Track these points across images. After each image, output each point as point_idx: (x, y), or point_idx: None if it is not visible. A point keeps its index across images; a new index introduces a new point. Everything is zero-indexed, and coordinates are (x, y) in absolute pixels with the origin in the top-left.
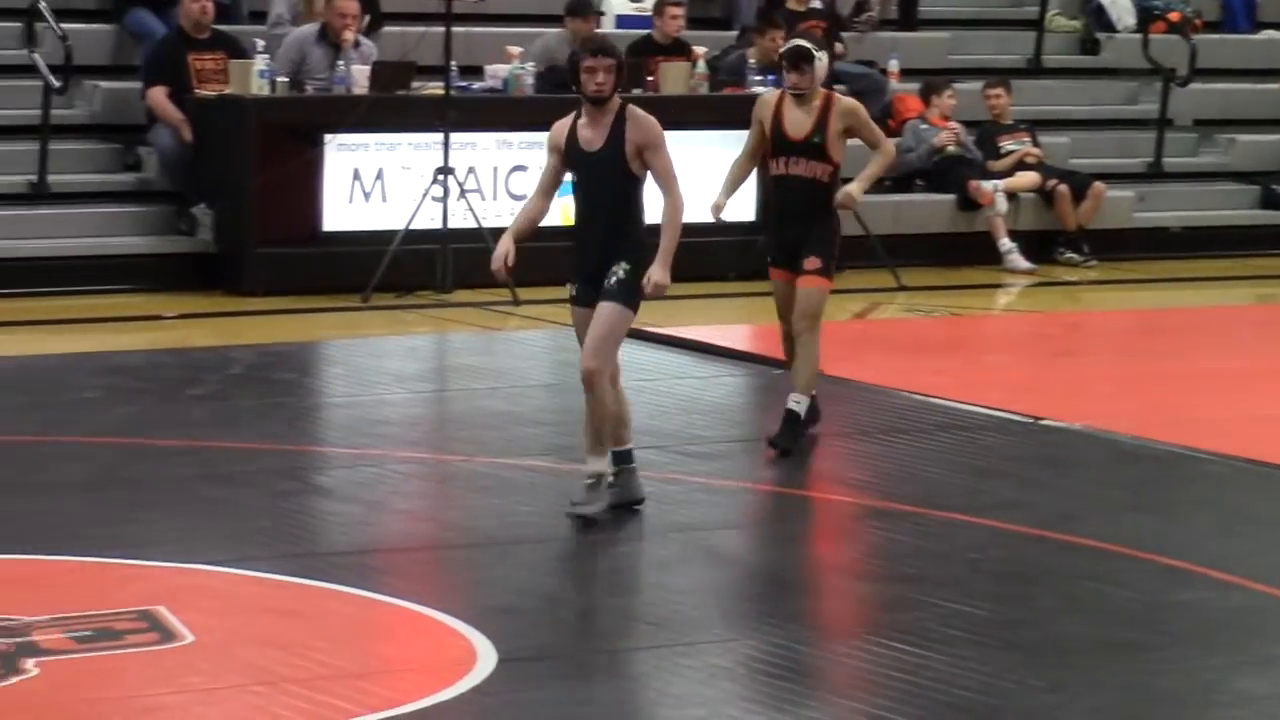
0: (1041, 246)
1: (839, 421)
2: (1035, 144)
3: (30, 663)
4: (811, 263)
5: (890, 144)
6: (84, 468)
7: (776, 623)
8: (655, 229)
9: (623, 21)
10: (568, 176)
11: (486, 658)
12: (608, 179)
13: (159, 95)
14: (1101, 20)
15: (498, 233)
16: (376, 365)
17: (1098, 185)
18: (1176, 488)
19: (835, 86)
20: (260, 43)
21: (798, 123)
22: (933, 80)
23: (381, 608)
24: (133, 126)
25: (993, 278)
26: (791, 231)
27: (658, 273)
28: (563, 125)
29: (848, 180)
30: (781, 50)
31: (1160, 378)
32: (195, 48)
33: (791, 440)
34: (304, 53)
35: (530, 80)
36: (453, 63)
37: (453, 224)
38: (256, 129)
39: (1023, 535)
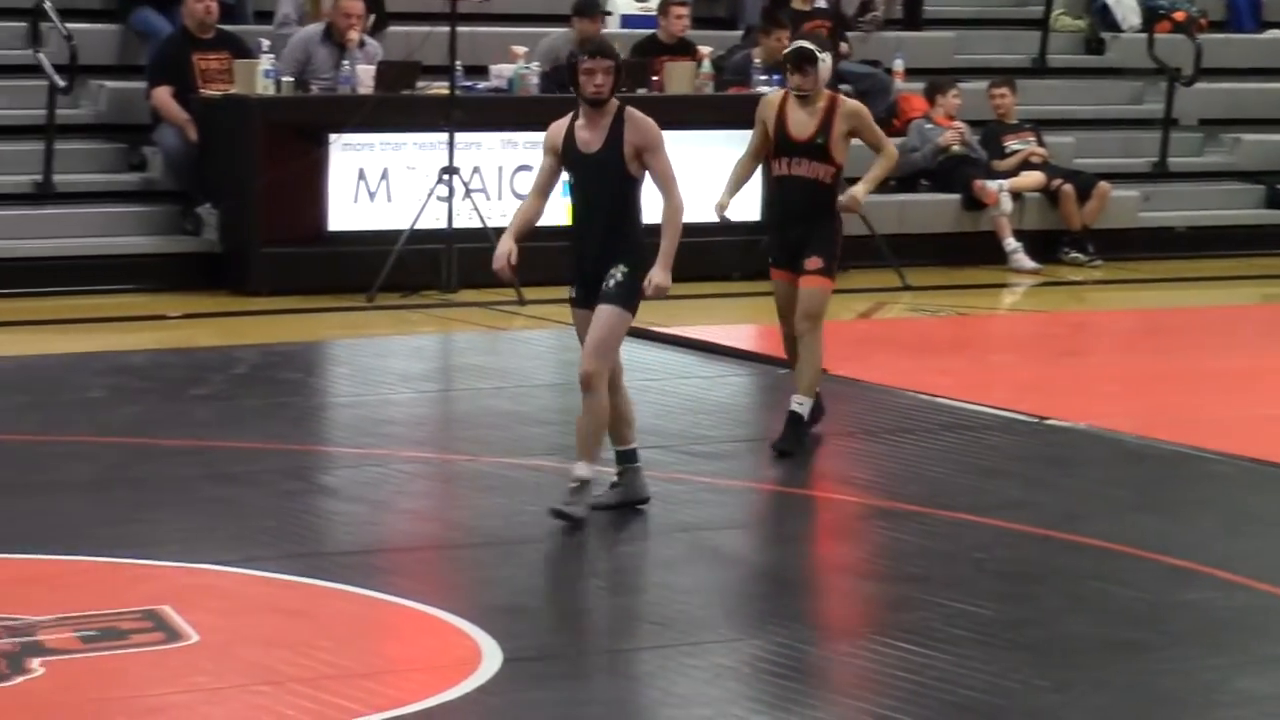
0: (1046, 246)
1: (844, 421)
2: (1040, 144)
3: (36, 662)
4: (813, 262)
5: (893, 148)
6: (89, 467)
7: (781, 622)
8: (653, 229)
9: (628, 21)
10: (565, 177)
11: (491, 657)
12: (606, 180)
13: (164, 95)
14: (1106, 20)
15: (502, 232)
16: (382, 365)
17: (1103, 185)
18: (1181, 487)
19: (840, 86)
20: (265, 42)
21: (801, 123)
22: (938, 80)
23: (386, 607)
24: (138, 126)
25: (998, 277)
26: (793, 232)
27: (659, 275)
28: (560, 126)
29: (853, 181)
30: (785, 52)
31: (1165, 377)
32: (200, 47)
33: (795, 443)
34: (309, 52)
35: (535, 80)
36: (458, 62)
37: (458, 224)
38: (261, 129)
39: (1028, 535)
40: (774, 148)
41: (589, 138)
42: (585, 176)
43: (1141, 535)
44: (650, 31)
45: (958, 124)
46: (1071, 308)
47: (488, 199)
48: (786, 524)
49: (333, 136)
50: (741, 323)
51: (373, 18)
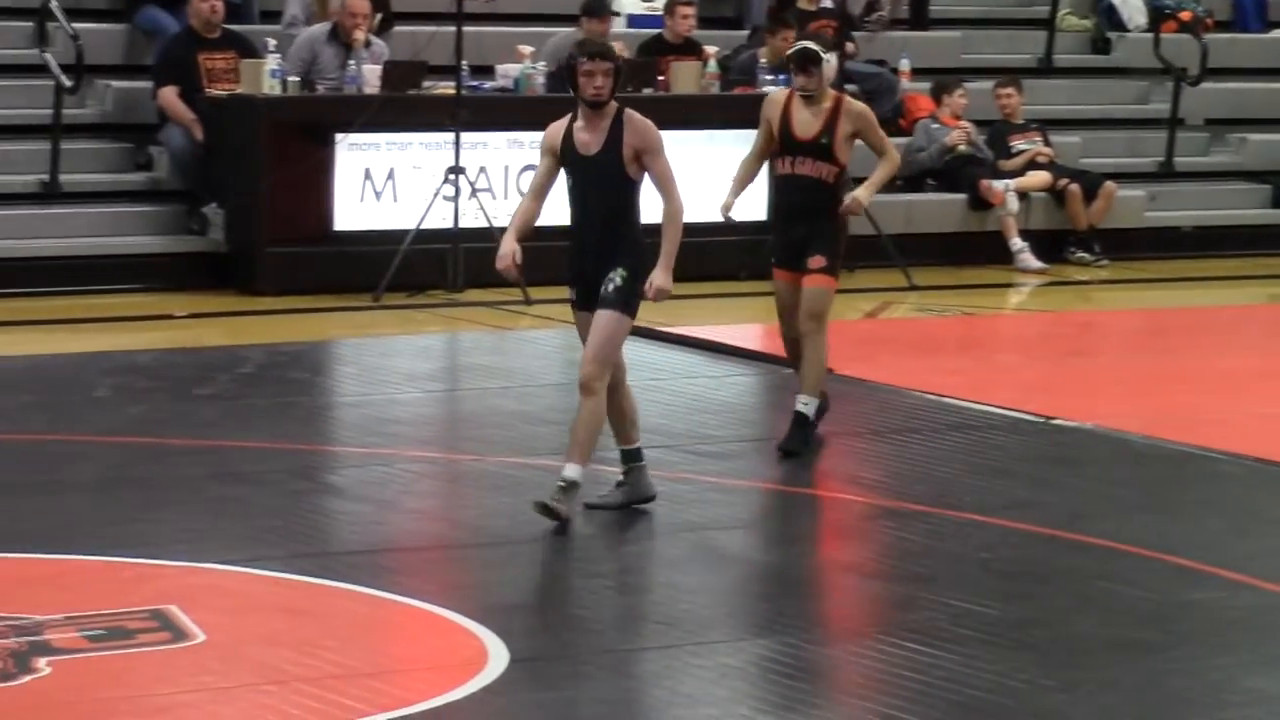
0: (1053, 246)
1: (850, 421)
2: (1046, 143)
3: (42, 661)
4: (816, 261)
5: (896, 153)
6: (95, 467)
7: (787, 622)
8: (652, 229)
9: (634, 21)
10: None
11: (498, 657)
12: (605, 182)
13: (170, 95)
14: (1113, 20)
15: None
16: (388, 364)
17: (1109, 185)
18: (1188, 487)
19: (846, 86)
20: (272, 42)
21: (806, 123)
22: (944, 80)
23: (393, 607)
24: (144, 126)
25: (1004, 277)
26: (796, 231)
27: (660, 277)
28: (558, 127)
29: (859, 182)
30: (789, 52)
31: (1172, 377)
32: (205, 47)
33: (800, 443)
34: (315, 52)
35: (541, 80)
36: (464, 62)
37: (464, 223)
38: (267, 128)
39: (1034, 535)
40: (778, 146)
41: (588, 139)
42: (584, 178)
43: (1148, 535)
44: (656, 31)
45: (964, 124)
46: (1078, 307)
47: (494, 199)
48: (792, 524)
49: (339, 136)
50: (747, 322)
51: (379, 17)
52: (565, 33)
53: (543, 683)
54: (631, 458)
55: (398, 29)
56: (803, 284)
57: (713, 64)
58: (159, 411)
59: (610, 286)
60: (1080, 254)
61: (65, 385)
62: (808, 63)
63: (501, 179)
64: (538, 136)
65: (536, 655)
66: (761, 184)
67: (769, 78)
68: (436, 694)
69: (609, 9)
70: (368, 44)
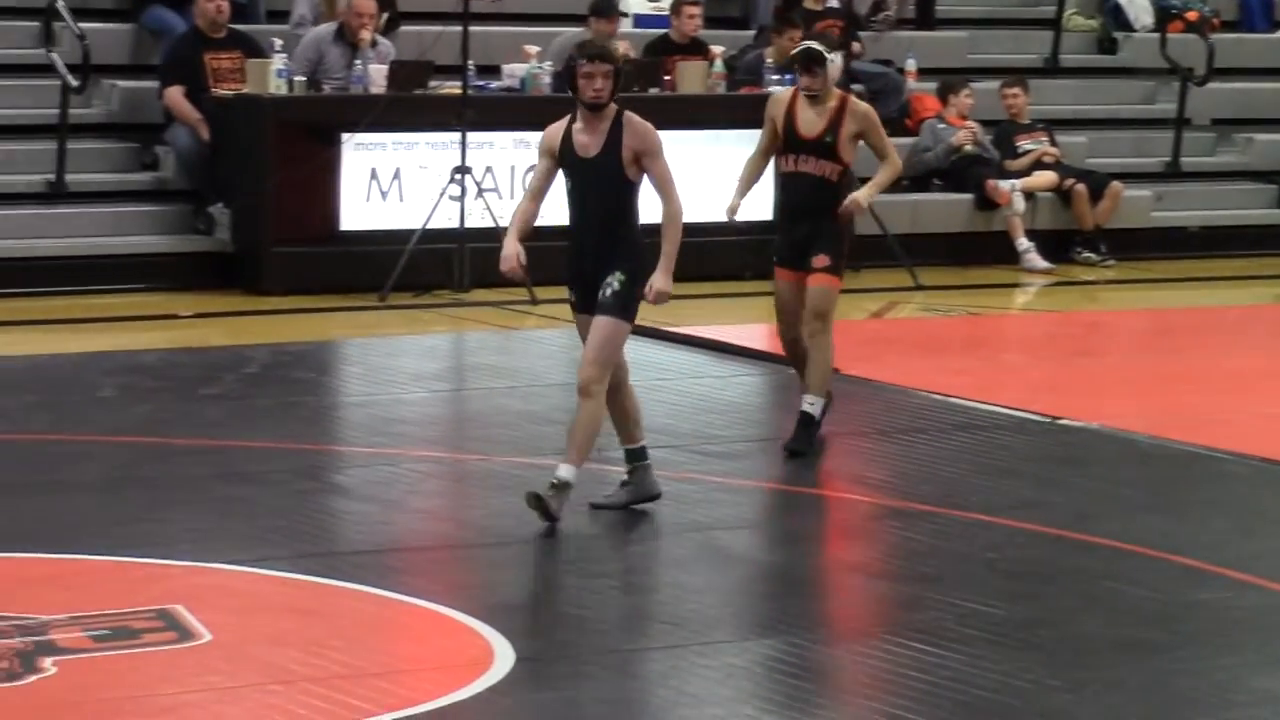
0: (1059, 246)
1: (856, 421)
2: (1053, 143)
3: (48, 661)
4: (820, 260)
5: (898, 158)
6: (101, 467)
7: (794, 622)
8: (651, 229)
9: (640, 21)
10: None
11: (504, 657)
12: (604, 184)
13: (176, 95)
14: (1119, 19)
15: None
16: (394, 364)
17: (1115, 185)
18: (1194, 487)
19: (852, 86)
20: (278, 42)
21: (810, 122)
22: (950, 79)
23: (399, 607)
24: (150, 126)
25: (1010, 277)
26: (800, 230)
27: (660, 281)
28: (557, 129)
29: (865, 182)
30: (793, 52)
31: (1178, 377)
32: (211, 47)
33: (806, 443)
34: (321, 52)
35: (547, 80)
36: (470, 62)
37: (470, 223)
38: (274, 128)
39: (1040, 535)
40: (782, 144)
41: (587, 141)
42: (583, 180)
43: (1154, 535)
44: (663, 31)
45: (970, 124)
46: (1084, 307)
47: (500, 199)
48: (798, 524)
49: (345, 136)
50: (753, 322)
51: (385, 17)
52: (572, 33)
53: (548, 682)
54: (635, 457)
55: (404, 29)
56: (807, 283)
57: (719, 64)
58: (164, 411)
59: (608, 291)
60: (1086, 254)
61: (70, 385)
62: (812, 63)
63: (507, 179)
64: None
65: (542, 655)
66: (767, 184)
67: (775, 78)
68: (442, 694)
69: (617, 9)
70: (374, 44)
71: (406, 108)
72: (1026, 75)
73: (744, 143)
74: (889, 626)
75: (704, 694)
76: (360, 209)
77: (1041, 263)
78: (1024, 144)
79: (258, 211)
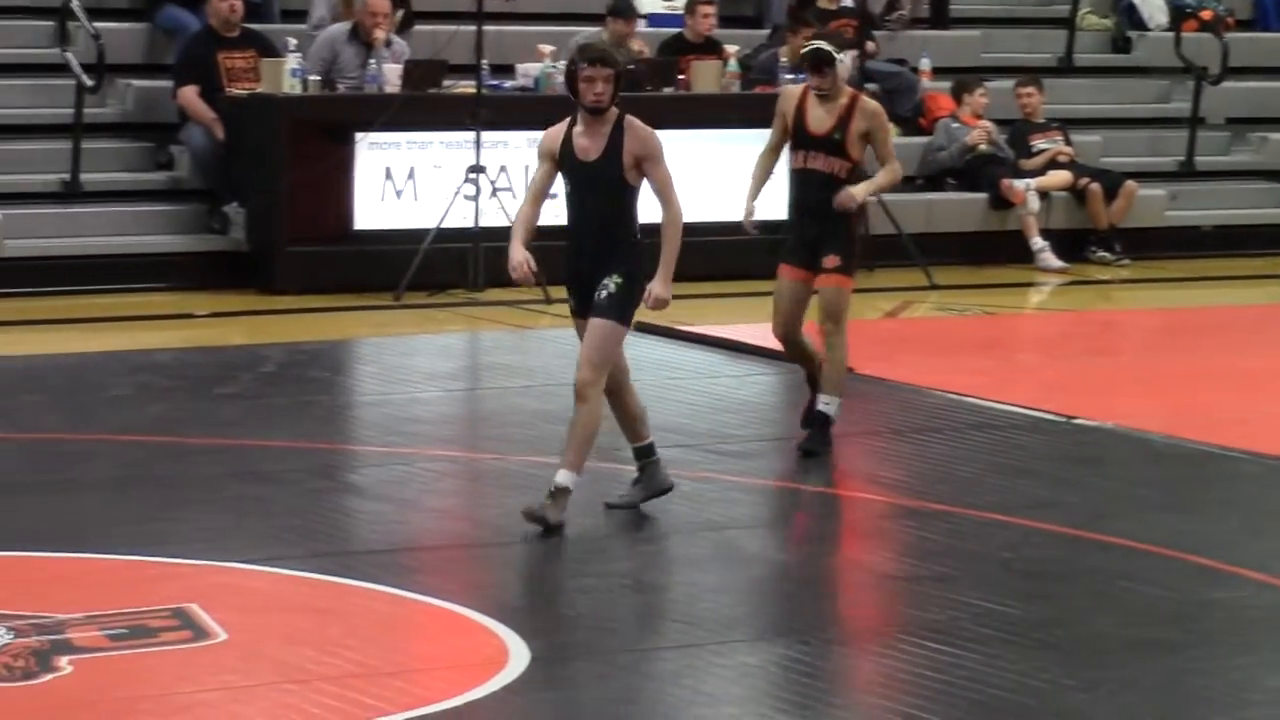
0: (1073, 245)
1: (871, 420)
2: (1067, 142)
3: (64, 660)
4: (831, 260)
5: (899, 166)
6: (116, 466)
7: (809, 621)
8: (651, 228)
9: (655, 20)
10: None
11: (519, 656)
12: (604, 188)
13: (190, 94)
14: (1133, 18)
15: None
16: (408, 363)
17: (1129, 184)
18: (1209, 487)
19: (867, 85)
20: (292, 41)
21: (820, 119)
22: (964, 79)
23: (414, 606)
24: (165, 125)
25: (1025, 276)
26: (810, 229)
27: (659, 287)
28: (557, 132)
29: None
30: (802, 52)
31: (1193, 377)
32: (225, 46)
33: (822, 443)
34: (336, 51)
35: (562, 79)
36: (484, 61)
37: (484, 222)
38: (288, 127)
39: (1055, 534)
40: (792, 141)
41: (588, 145)
42: (582, 184)
43: (1169, 534)
44: (677, 30)
45: (985, 123)
46: (1098, 307)
47: (514, 198)
48: (813, 523)
49: (359, 135)
50: (768, 322)
51: (400, 15)
52: (588, 32)
53: (563, 682)
54: (644, 454)
55: (418, 28)
56: (818, 284)
57: (733, 63)
58: (179, 410)
59: (604, 293)
60: (1101, 253)
61: (85, 384)
62: (820, 63)
63: (522, 178)
64: None
65: (557, 654)
66: (780, 182)
67: (789, 77)
68: (457, 693)
69: (635, 10)
70: (388, 43)
71: (421, 107)
72: (1041, 74)
73: (758, 142)
74: (904, 626)
75: (719, 693)
76: (375, 208)
77: (1056, 262)
78: (1038, 143)
79: (272, 211)
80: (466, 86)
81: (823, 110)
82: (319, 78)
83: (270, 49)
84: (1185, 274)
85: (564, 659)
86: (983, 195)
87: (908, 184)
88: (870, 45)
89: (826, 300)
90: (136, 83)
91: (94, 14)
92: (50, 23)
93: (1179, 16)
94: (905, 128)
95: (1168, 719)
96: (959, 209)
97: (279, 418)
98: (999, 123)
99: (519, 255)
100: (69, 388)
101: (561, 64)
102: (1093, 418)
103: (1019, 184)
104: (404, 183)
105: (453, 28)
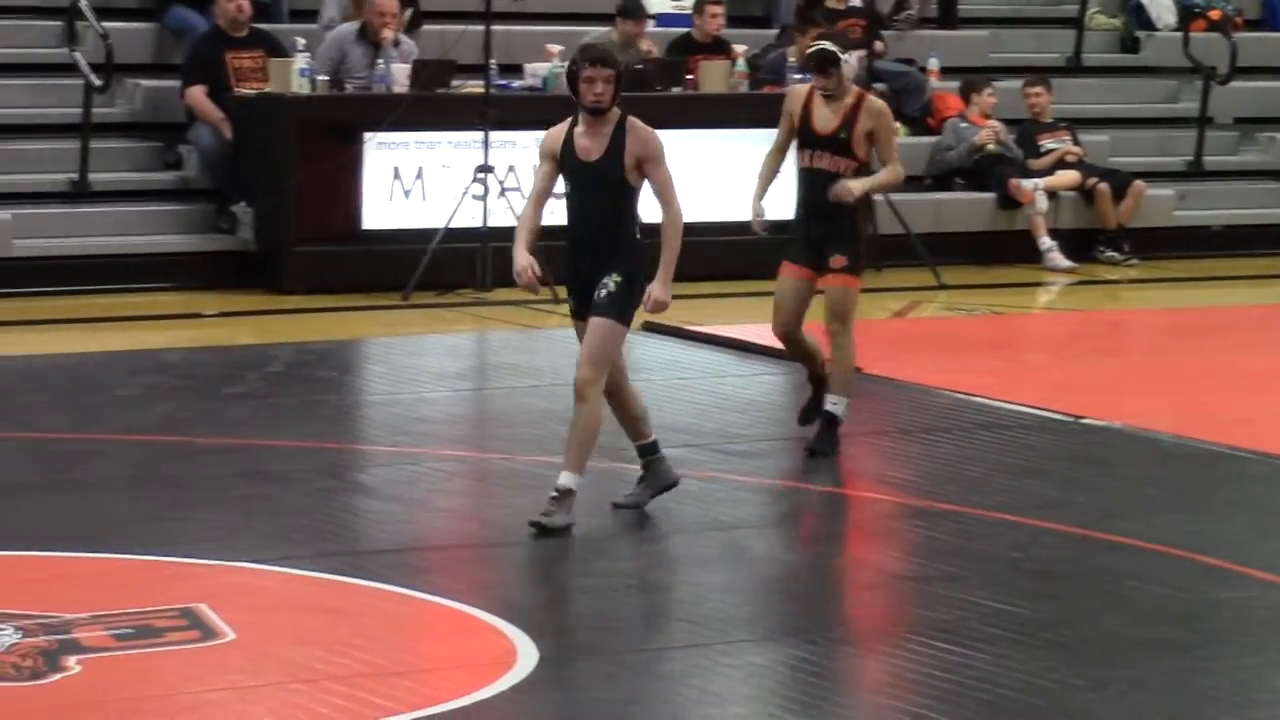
0: (1082, 245)
1: (879, 420)
2: (1075, 142)
3: (72, 660)
4: (838, 260)
5: (900, 166)
6: (124, 466)
7: (816, 621)
8: (651, 227)
9: (663, 20)
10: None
11: (527, 656)
12: (605, 189)
13: (198, 94)
14: (1141, 18)
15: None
16: (417, 363)
17: (1138, 184)
18: (1217, 487)
19: (875, 85)
20: (301, 41)
21: (825, 118)
22: (973, 78)
23: (422, 606)
24: (173, 125)
25: (1033, 276)
26: (817, 229)
27: (658, 290)
28: (558, 132)
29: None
30: (807, 53)
31: (1201, 376)
32: (233, 46)
33: (830, 444)
34: (344, 51)
35: None
36: (492, 61)
37: (493, 222)
38: (296, 127)
39: (1064, 534)
40: (798, 140)
41: (589, 145)
42: (583, 184)
43: (1177, 534)
44: (685, 30)
45: (993, 123)
46: (1107, 307)
47: (522, 198)
48: (821, 523)
49: (367, 135)
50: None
51: (408, 14)
52: (597, 32)
53: (571, 681)
54: (648, 451)
55: (426, 28)
56: (826, 284)
57: (741, 63)
58: (187, 410)
59: (604, 292)
60: (1109, 253)
61: (93, 384)
62: (825, 64)
63: (530, 178)
64: None
65: (565, 654)
66: (787, 182)
67: (797, 77)
68: (465, 693)
69: (645, 11)
70: (396, 43)
71: (429, 107)
72: (1049, 74)
73: (767, 142)
74: (912, 626)
75: (727, 693)
76: (383, 208)
77: (1064, 262)
78: (1046, 143)
79: (280, 211)
80: (475, 86)
81: (829, 110)
82: (327, 77)
83: (278, 49)
84: (1193, 274)
85: (572, 659)
86: (991, 195)
87: (916, 184)
88: (878, 45)
89: (833, 300)
90: (145, 83)
91: (102, 14)
92: (58, 22)
93: (1187, 16)
94: (913, 127)
95: (1176, 719)
96: (967, 209)
97: (287, 417)
98: (1007, 122)
99: (523, 260)
100: (76, 387)
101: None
102: (1101, 417)
103: (1027, 184)
104: (412, 182)
105: (461, 27)
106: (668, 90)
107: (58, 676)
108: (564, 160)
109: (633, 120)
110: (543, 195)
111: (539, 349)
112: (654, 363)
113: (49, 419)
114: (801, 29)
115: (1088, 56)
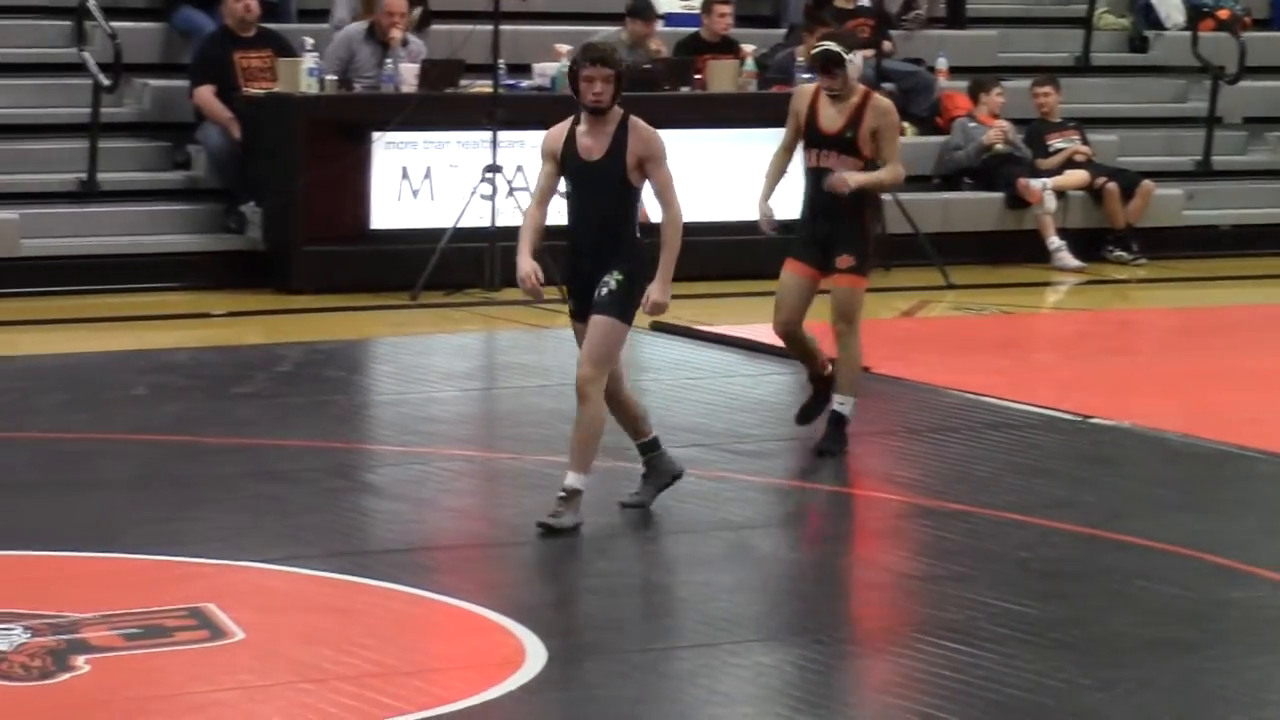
0: (1090, 245)
1: (887, 420)
2: (1084, 142)
3: (80, 659)
4: (845, 260)
5: (900, 168)
6: (132, 465)
7: (824, 621)
8: (651, 226)
9: (672, 19)
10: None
11: (535, 655)
12: (606, 189)
13: (206, 94)
14: (1150, 18)
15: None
16: (425, 363)
17: (1146, 183)
18: (1226, 486)
19: (883, 85)
20: (309, 41)
21: (831, 118)
22: (981, 78)
23: (430, 605)
24: (182, 125)
25: (1041, 276)
26: (823, 228)
27: (657, 292)
28: (559, 132)
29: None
30: (812, 53)
31: (1210, 376)
32: (241, 46)
33: (838, 443)
34: (352, 50)
35: None
36: (501, 61)
37: (501, 222)
38: (305, 127)
39: (1072, 534)
40: (805, 140)
41: (590, 145)
42: (584, 184)
43: (1185, 534)
44: (693, 30)
45: (1001, 122)
46: (1115, 306)
47: (530, 198)
48: (829, 523)
49: (376, 135)
50: None
51: (417, 13)
52: (606, 32)
53: (580, 681)
54: (649, 448)
55: (435, 27)
56: (832, 284)
57: (750, 63)
58: (196, 410)
59: (604, 291)
60: (1118, 253)
61: (102, 384)
62: (830, 64)
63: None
64: None
65: (573, 653)
66: (795, 181)
67: (806, 76)
68: (474, 692)
69: (654, 11)
70: (405, 42)
71: (437, 106)
72: (1057, 74)
73: (775, 142)
74: (920, 625)
75: (735, 693)
76: (391, 208)
77: (1073, 261)
78: (1055, 142)
79: (289, 210)
80: (483, 86)
81: (835, 109)
82: (336, 77)
83: (286, 49)
84: (1202, 273)
85: (580, 658)
86: (999, 195)
87: (924, 183)
88: (887, 45)
89: (839, 300)
90: (153, 82)
91: (111, 14)
92: (67, 22)
93: (1196, 16)
94: (922, 127)
95: (1184, 718)
96: (975, 208)
97: (296, 417)
98: (1016, 122)
99: (527, 266)
100: (85, 387)
101: None
102: (1109, 417)
103: (1035, 183)
104: (420, 182)
105: (469, 27)
106: (676, 90)
107: (66, 676)
108: (565, 160)
109: (635, 120)
110: (546, 195)
111: (547, 349)
112: (663, 362)
113: (57, 418)
114: (810, 28)
115: (1096, 56)
